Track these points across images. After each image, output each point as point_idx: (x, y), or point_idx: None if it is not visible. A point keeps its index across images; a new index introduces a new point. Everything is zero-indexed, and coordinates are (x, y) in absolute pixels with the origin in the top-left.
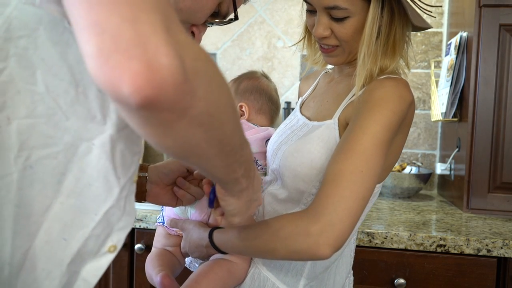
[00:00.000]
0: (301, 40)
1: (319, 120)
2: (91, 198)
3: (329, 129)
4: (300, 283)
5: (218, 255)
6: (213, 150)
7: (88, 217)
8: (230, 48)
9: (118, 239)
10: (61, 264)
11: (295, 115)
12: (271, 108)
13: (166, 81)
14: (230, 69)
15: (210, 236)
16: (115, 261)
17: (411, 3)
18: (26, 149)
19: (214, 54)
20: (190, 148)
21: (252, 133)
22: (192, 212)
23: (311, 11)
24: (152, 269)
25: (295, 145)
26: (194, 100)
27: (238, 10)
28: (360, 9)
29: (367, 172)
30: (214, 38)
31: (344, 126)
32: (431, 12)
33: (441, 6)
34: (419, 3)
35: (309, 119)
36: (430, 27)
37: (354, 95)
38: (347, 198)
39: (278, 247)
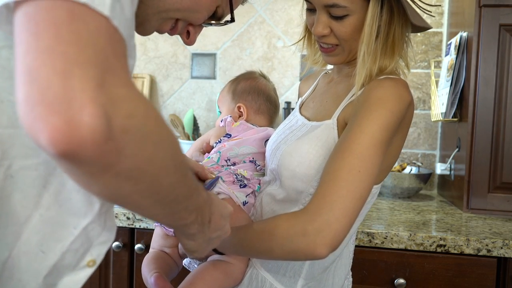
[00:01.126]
0: (301, 39)
1: (318, 120)
2: (71, 212)
3: (328, 129)
4: (298, 283)
5: (215, 256)
6: (148, 201)
7: (67, 231)
8: (230, 48)
9: (98, 254)
10: (38, 276)
11: (295, 115)
12: (269, 108)
13: (85, 140)
14: (230, 69)
15: None
16: (115, 261)
17: (410, 2)
18: (8, 159)
19: (214, 54)
20: (120, 198)
21: (251, 133)
22: None
23: (310, 10)
24: (147, 272)
25: (293, 145)
26: (120, 158)
27: (238, 9)
28: (359, 7)
29: (364, 171)
30: (214, 38)
31: (343, 126)
32: (431, 12)
33: (440, 5)
34: (418, 3)
35: (309, 119)
36: (429, 27)
37: (353, 95)
38: (344, 198)
39: (274, 247)
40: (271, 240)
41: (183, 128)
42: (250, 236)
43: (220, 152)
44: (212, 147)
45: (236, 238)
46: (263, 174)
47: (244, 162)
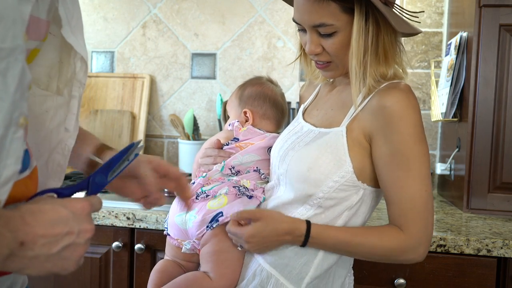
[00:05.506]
0: (297, 58)
1: (325, 127)
2: None
3: (337, 136)
4: (305, 281)
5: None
6: None
7: None
8: (230, 48)
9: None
10: None
11: (298, 122)
12: (275, 114)
13: None
14: (230, 69)
15: (308, 223)
16: (115, 261)
17: (395, 11)
18: None
19: (214, 54)
20: None
21: (256, 140)
22: (190, 227)
23: (302, 30)
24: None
25: (303, 151)
26: None
27: (239, 9)
28: (345, 23)
29: (429, 187)
30: (214, 38)
31: (354, 136)
32: (418, 17)
33: (423, 12)
34: (403, 11)
35: (314, 126)
36: (418, 31)
37: (361, 102)
38: (430, 218)
39: (380, 257)
40: (385, 257)
41: (183, 128)
42: (361, 248)
43: (224, 162)
44: (223, 144)
45: (343, 233)
46: (267, 182)
47: (248, 171)
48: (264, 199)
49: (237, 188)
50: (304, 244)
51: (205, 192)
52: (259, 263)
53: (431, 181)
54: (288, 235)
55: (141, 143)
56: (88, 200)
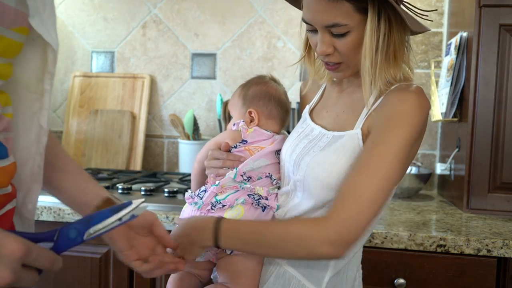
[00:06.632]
0: (301, 59)
1: (338, 130)
2: None
3: (352, 139)
4: (325, 280)
5: (221, 279)
6: None
7: None
8: (230, 48)
9: None
10: None
11: (307, 124)
12: (280, 113)
13: None
14: (230, 69)
15: (218, 220)
16: (115, 261)
17: (406, 9)
18: None
19: (214, 54)
20: None
21: (266, 144)
22: None
23: (312, 30)
24: None
25: (320, 156)
26: None
27: (239, 9)
28: (358, 23)
29: (388, 190)
30: (214, 38)
31: (365, 136)
32: (428, 15)
33: (436, 10)
34: (414, 9)
35: (326, 128)
36: (428, 29)
37: (373, 104)
38: (367, 216)
39: (298, 251)
40: (296, 244)
41: (183, 128)
42: (272, 236)
43: (236, 169)
44: (231, 147)
45: (252, 230)
46: (279, 187)
47: (260, 177)
48: (278, 207)
49: (252, 196)
50: (215, 237)
51: (220, 202)
52: (281, 265)
53: (392, 188)
54: (202, 229)
55: (144, 204)
56: (26, 247)
